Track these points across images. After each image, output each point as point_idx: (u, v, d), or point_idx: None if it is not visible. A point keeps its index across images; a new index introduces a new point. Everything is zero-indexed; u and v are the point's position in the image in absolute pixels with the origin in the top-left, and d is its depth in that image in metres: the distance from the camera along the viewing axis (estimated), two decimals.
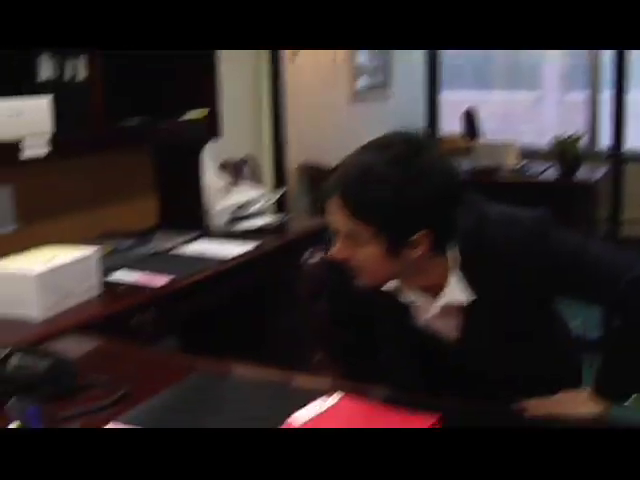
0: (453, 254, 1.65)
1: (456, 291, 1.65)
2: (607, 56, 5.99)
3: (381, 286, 1.69)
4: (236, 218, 3.63)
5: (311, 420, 1.56)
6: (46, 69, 2.61)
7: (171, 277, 2.73)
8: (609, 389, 1.67)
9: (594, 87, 7.15)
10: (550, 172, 5.76)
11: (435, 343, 1.79)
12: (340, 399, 1.66)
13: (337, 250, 1.59)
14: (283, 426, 1.54)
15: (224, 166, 4.30)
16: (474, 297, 1.65)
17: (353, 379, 1.85)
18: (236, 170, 4.42)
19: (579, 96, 7.38)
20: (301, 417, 1.57)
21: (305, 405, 1.62)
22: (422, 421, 1.54)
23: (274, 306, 3.42)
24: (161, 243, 3.17)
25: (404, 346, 1.83)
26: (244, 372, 1.95)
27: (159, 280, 2.69)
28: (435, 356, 1.81)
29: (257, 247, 3.24)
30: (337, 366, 2.10)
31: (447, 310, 1.70)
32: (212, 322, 3.35)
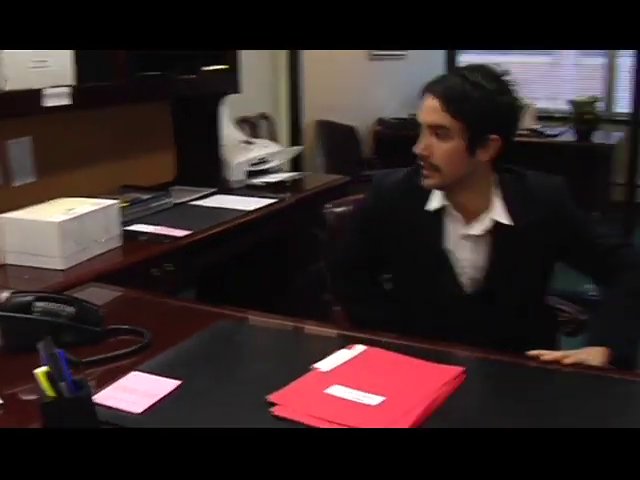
0: (497, 187, 1.95)
1: (500, 213, 1.92)
2: None
3: (437, 188, 1.93)
4: (253, 173, 3.62)
5: (338, 367, 1.58)
6: None
7: (191, 229, 2.74)
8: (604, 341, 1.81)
9: (611, 52, 7.08)
10: (567, 135, 5.74)
11: (451, 274, 1.96)
12: (365, 349, 1.67)
13: (423, 145, 1.86)
14: (310, 372, 1.55)
15: (241, 122, 4.29)
16: (511, 223, 1.91)
17: (364, 325, 1.98)
18: (253, 126, 4.41)
19: (595, 61, 7.32)
20: (327, 364, 1.59)
21: (330, 353, 1.63)
22: (448, 372, 1.55)
23: (291, 261, 3.43)
24: (180, 197, 3.17)
25: (423, 270, 1.98)
26: (267, 321, 1.95)
27: (179, 232, 2.69)
28: (448, 286, 1.97)
29: (276, 202, 3.23)
30: (350, 313, 2.22)
31: (481, 236, 1.93)
32: (229, 275, 3.35)
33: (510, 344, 1.76)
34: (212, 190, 3.34)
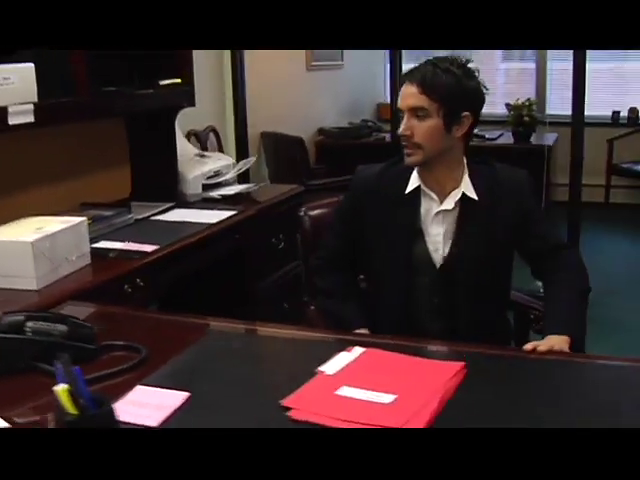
0: (466, 167, 2.14)
1: (468, 187, 2.11)
2: None
3: (419, 164, 2.10)
4: (207, 186, 3.62)
5: (343, 369, 1.60)
6: None
7: (158, 244, 2.72)
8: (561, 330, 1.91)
9: (541, 56, 7.28)
10: (505, 138, 5.87)
11: (425, 249, 2.12)
12: (364, 351, 1.70)
13: (405, 126, 2.05)
14: (317, 376, 1.57)
15: (189, 136, 4.28)
16: (476, 198, 2.10)
17: (337, 322, 2.17)
18: (201, 140, 4.41)
19: (521, 65, 7.54)
20: (332, 367, 1.60)
21: (329, 356, 1.65)
22: (450, 368, 1.58)
23: (250, 271, 3.43)
24: (139, 212, 3.15)
25: (399, 252, 2.13)
26: (259, 329, 1.96)
27: (147, 247, 2.68)
28: (421, 263, 2.12)
29: (236, 214, 3.24)
30: (325, 309, 2.30)
31: (451, 210, 2.10)
32: (192, 288, 3.33)
33: (484, 338, 1.91)
34: (170, 204, 3.32)
